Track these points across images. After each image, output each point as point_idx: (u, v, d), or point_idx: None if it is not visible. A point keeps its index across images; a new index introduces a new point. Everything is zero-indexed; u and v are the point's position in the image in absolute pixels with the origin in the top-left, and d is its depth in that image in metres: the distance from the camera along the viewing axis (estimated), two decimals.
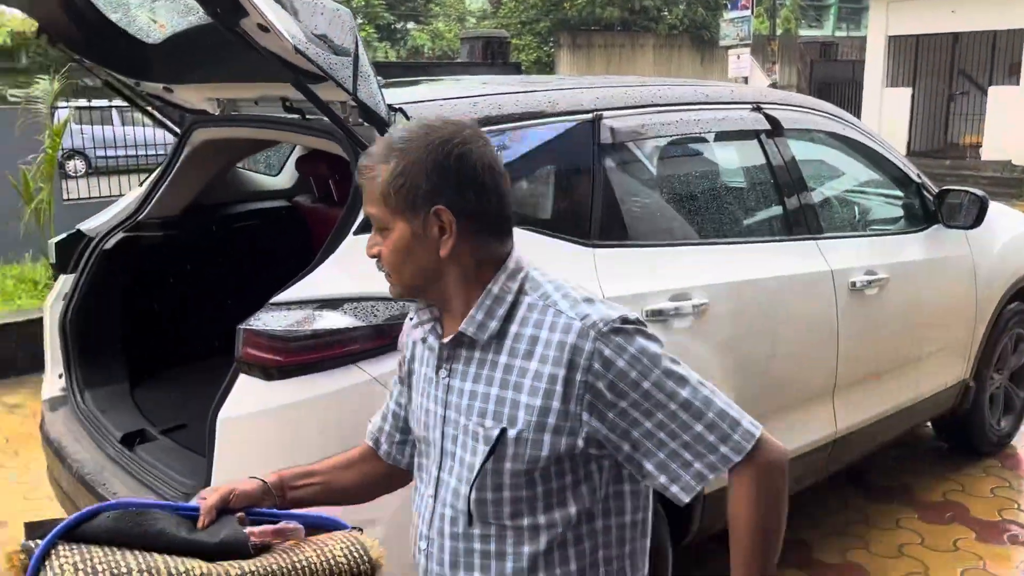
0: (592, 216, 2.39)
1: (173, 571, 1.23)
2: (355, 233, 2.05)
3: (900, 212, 3.63)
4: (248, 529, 1.35)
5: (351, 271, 2.03)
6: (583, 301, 1.26)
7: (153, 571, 1.22)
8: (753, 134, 3.00)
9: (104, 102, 11.14)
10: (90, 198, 8.66)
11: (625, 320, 1.24)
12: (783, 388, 2.86)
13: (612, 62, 23.27)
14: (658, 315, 2.41)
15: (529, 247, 2.23)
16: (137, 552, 1.26)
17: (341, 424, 1.94)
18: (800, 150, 3.14)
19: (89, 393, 2.74)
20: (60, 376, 2.79)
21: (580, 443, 1.24)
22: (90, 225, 2.95)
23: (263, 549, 1.34)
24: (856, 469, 3.81)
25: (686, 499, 1.23)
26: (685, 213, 2.82)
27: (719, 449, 1.21)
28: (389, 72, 2.10)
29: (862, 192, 3.72)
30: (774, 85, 15.90)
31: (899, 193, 3.61)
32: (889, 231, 3.59)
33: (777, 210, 3.03)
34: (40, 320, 2.97)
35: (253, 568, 1.28)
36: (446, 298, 1.32)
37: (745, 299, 2.70)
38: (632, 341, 1.22)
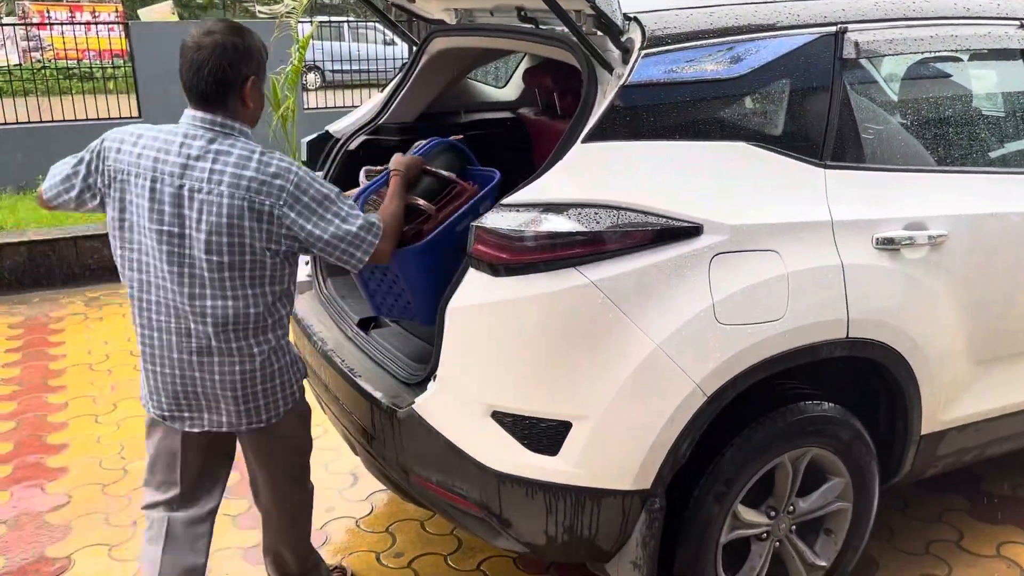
0: (826, 135, 2.28)
1: None
2: (583, 141, 2.09)
3: None
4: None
5: (577, 178, 2.09)
6: None
7: None
8: (1019, 54, 2.71)
9: (340, 18, 11.80)
10: (326, 108, 9.34)
11: None
12: None
13: None
14: (888, 243, 2.29)
15: (756, 163, 2.21)
16: None
17: (557, 322, 2.04)
18: None
19: (331, 280, 3.03)
20: (307, 263, 3.10)
21: None
22: (336, 127, 3.21)
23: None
24: None
25: None
26: (929, 137, 2.63)
27: None
28: None
29: None
30: None
31: None
32: None
33: None
34: None
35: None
36: None
37: (990, 234, 2.50)
38: None
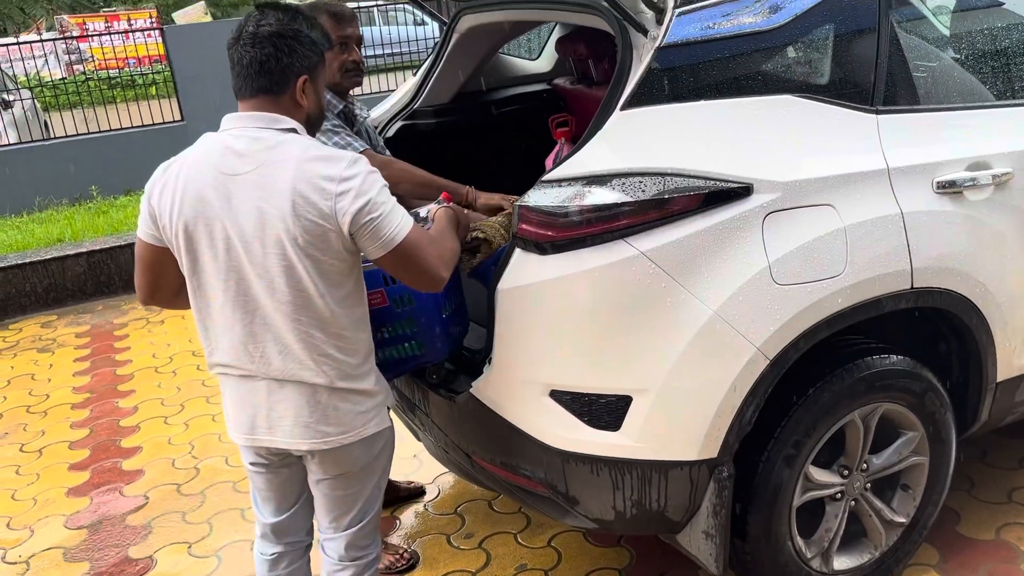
0: (876, 78, 2.19)
1: None
2: (622, 108, 2.04)
3: None
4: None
5: (618, 147, 2.04)
6: None
7: None
8: None
9: (369, 2, 11.77)
10: (361, 94, 9.34)
11: None
12: None
13: None
14: (949, 187, 2.20)
15: (804, 115, 2.12)
16: None
17: (609, 297, 2.00)
18: None
19: None
20: None
21: None
22: (373, 115, 3.20)
23: None
24: None
25: None
26: (985, 71, 2.50)
27: None
28: None
29: None
30: None
31: None
32: None
33: None
34: None
35: None
36: None
37: None
38: None
